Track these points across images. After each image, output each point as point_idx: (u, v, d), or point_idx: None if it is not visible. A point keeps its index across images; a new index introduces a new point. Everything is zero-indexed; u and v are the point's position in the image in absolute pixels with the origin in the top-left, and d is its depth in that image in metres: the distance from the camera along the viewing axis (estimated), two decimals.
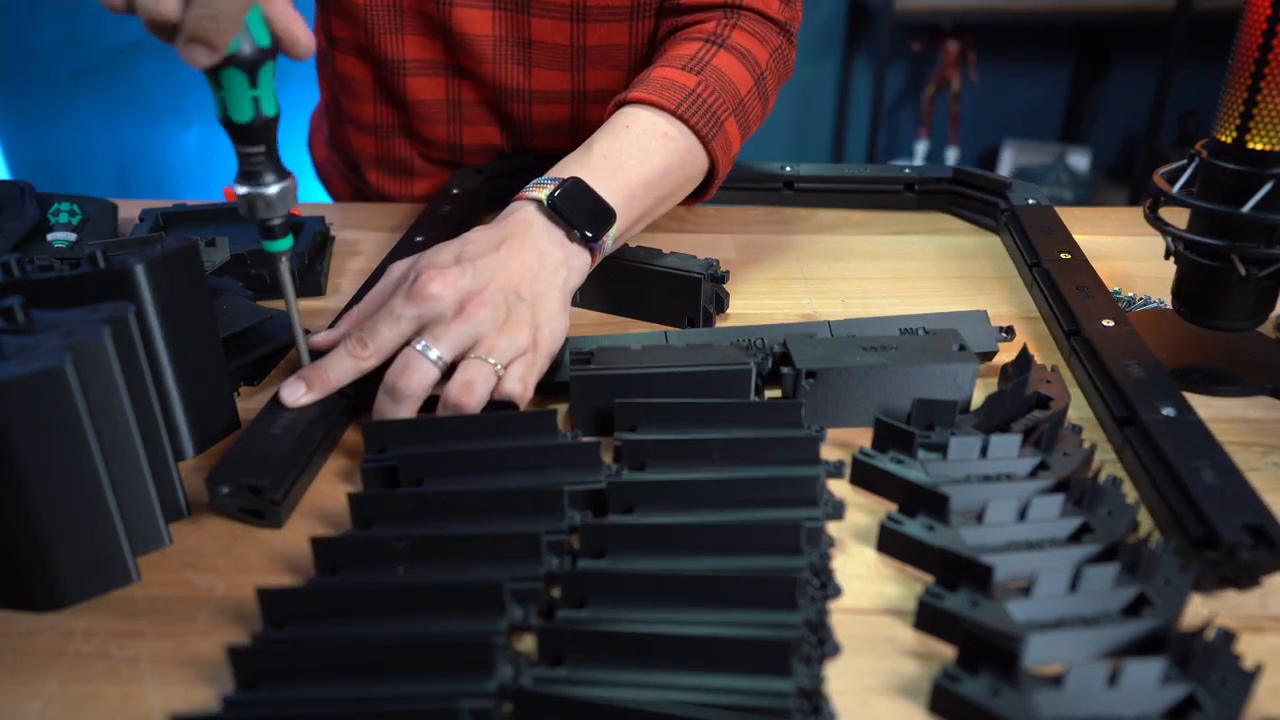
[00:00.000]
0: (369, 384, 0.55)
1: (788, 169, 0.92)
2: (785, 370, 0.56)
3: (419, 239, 0.75)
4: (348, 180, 1.02)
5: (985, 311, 0.64)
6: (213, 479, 0.49)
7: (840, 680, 0.40)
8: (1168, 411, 0.53)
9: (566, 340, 0.60)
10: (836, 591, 0.45)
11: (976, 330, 0.63)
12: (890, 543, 0.48)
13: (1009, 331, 0.63)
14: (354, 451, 0.56)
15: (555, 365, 0.59)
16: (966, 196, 0.89)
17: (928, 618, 0.43)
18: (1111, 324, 0.63)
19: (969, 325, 0.63)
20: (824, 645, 0.41)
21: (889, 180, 0.90)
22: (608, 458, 0.53)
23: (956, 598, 0.42)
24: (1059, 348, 0.67)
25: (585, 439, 0.50)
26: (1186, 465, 0.49)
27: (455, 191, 0.85)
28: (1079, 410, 0.59)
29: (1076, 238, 0.76)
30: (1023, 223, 0.79)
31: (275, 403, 0.55)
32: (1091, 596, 0.42)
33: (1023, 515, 0.46)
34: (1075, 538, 0.46)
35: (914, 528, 0.47)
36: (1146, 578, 0.42)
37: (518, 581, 0.42)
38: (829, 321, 0.63)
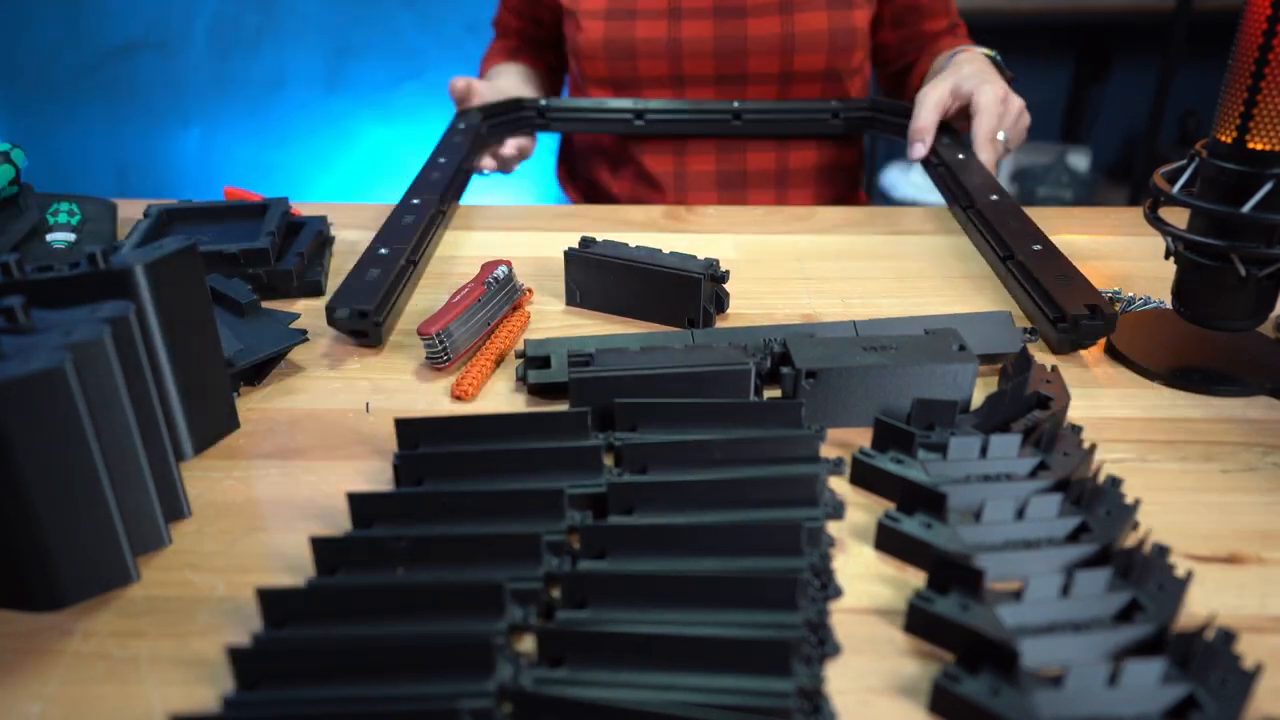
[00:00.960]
0: None
1: (736, 104, 1.05)
2: (785, 370, 0.56)
3: (442, 160, 0.91)
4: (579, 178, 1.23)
5: (1009, 312, 0.65)
6: (331, 305, 0.64)
7: (840, 680, 0.40)
8: (1036, 247, 0.72)
9: (564, 341, 0.60)
10: (837, 592, 0.45)
11: (1000, 331, 0.63)
12: (887, 540, 0.48)
13: (1032, 333, 0.64)
14: (359, 454, 0.56)
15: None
16: (884, 123, 1.05)
17: (918, 622, 0.43)
18: (1040, 248, 0.73)
19: (993, 326, 0.63)
20: (824, 645, 0.41)
21: (814, 111, 1.07)
22: (608, 459, 0.53)
23: (947, 601, 0.42)
24: (995, 271, 0.78)
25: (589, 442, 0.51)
26: (1050, 276, 0.67)
27: (462, 126, 0.99)
28: (1077, 410, 0.60)
29: (1077, 237, 0.76)
30: (951, 168, 0.90)
31: (363, 261, 0.71)
32: (1083, 602, 0.41)
33: (1020, 514, 0.46)
34: (1073, 538, 0.46)
35: (911, 525, 0.47)
36: (1139, 583, 0.42)
37: (518, 582, 0.42)
38: (855, 321, 0.63)
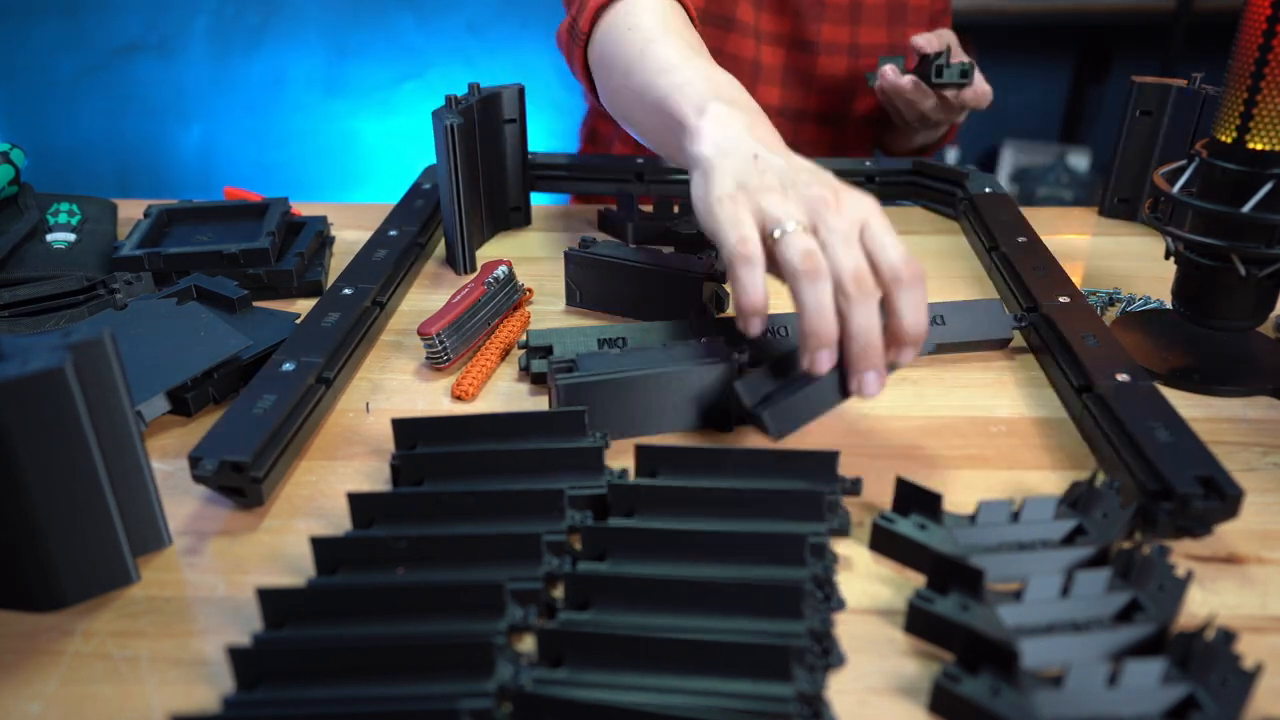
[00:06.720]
0: None
1: None
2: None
3: (392, 232, 0.78)
4: None
5: (999, 300, 0.66)
6: (195, 454, 0.49)
7: (840, 680, 0.40)
8: (1122, 378, 0.55)
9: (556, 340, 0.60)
10: (840, 604, 0.44)
11: (991, 317, 0.65)
12: (883, 541, 0.47)
13: (1023, 319, 0.65)
14: (359, 454, 0.56)
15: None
16: (926, 187, 0.92)
17: (918, 622, 0.42)
18: (1068, 300, 0.65)
19: (984, 313, 0.65)
20: (829, 655, 0.41)
21: (851, 174, 0.92)
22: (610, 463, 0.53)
23: (947, 601, 0.42)
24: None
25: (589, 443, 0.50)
26: (1140, 425, 0.51)
27: (426, 186, 0.88)
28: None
29: (1077, 238, 0.76)
30: (980, 210, 0.82)
31: (256, 384, 0.56)
32: (1083, 602, 0.41)
33: (1015, 516, 0.46)
34: (1069, 540, 0.46)
35: (906, 526, 0.47)
36: (1139, 583, 0.42)
37: (518, 582, 0.42)
38: None
